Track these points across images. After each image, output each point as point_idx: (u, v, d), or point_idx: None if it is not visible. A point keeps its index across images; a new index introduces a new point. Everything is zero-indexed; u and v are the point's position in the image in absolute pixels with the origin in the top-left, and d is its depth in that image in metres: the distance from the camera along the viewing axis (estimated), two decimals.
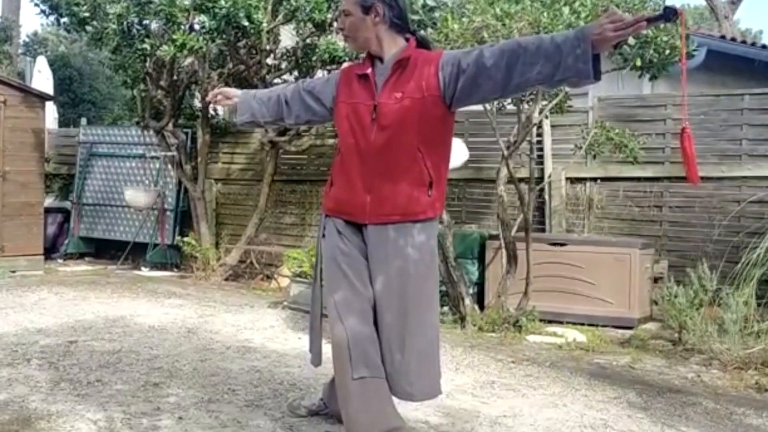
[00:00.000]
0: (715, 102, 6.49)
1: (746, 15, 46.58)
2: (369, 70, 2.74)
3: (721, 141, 6.42)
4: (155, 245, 8.85)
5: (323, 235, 2.90)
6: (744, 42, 9.75)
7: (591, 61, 2.31)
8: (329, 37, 6.93)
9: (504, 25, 5.00)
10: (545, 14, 4.98)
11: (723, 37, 9.63)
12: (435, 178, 2.70)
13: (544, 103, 5.78)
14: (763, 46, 9.61)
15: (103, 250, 9.70)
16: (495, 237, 6.14)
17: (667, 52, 5.42)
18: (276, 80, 7.78)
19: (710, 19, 17.86)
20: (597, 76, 2.35)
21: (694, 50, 6.28)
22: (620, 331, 5.59)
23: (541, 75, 2.42)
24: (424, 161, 2.67)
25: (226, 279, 8.00)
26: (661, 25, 5.31)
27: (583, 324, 5.74)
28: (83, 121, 10.80)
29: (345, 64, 6.03)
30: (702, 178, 6.21)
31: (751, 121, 6.34)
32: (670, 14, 2.18)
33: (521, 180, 6.04)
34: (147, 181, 9.26)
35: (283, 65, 7.74)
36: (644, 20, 2.22)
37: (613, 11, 2.29)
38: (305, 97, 2.99)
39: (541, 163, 6.96)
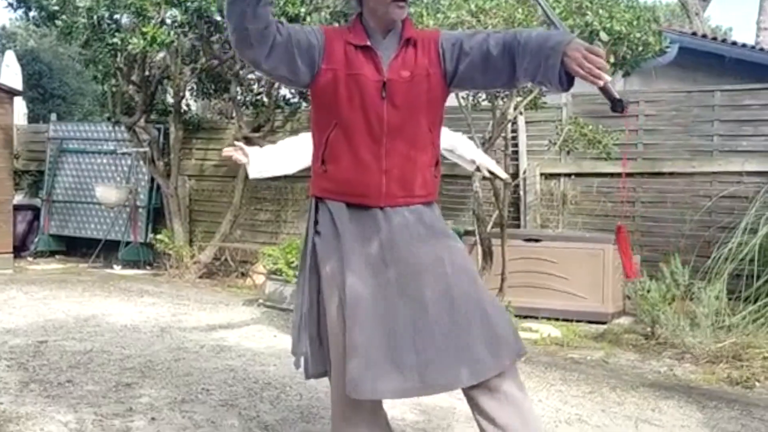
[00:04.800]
0: (687, 98, 6.55)
1: (716, 12, 47.21)
2: (369, 42, 2.50)
3: (692, 137, 6.48)
4: (128, 243, 8.74)
5: (317, 232, 2.53)
6: (715, 39, 9.86)
7: (557, 76, 2.26)
8: None
9: (479, 21, 5.01)
10: (520, 10, 4.99)
11: (694, 33, 9.73)
12: (439, 159, 2.64)
13: (519, 99, 5.80)
14: (734, 43, 9.73)
15: (74, 248, 9.55)
16: (470, 233, 6.15)
17: (640, 48, 5.46)
18: (250, 75, 7.72)
19: (681, 16, 18.07)
20: (565, 88, 2.30)
21: (667, 47, 6.33)
22: (594, 325, 5.64)
23: (528, 72, 2.38)
24: (433, 141, 2.58)
25: (201, 277, 7.91)
26: (634, 22, 5.35)
27: (557, 319, 5.78)
28: (53, 116, 10.61)
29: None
30: (673, 173, 6.40)
31: (722, 117, 6.41)
32: (618, 107, 2.20)
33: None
34: (119, 178, 9.13)
35: None
36: (603, 84, 2.18)
37: (596, 50, 2.22)
38: (294, 50, 2.42)
39: (516, 159, 6.99)
